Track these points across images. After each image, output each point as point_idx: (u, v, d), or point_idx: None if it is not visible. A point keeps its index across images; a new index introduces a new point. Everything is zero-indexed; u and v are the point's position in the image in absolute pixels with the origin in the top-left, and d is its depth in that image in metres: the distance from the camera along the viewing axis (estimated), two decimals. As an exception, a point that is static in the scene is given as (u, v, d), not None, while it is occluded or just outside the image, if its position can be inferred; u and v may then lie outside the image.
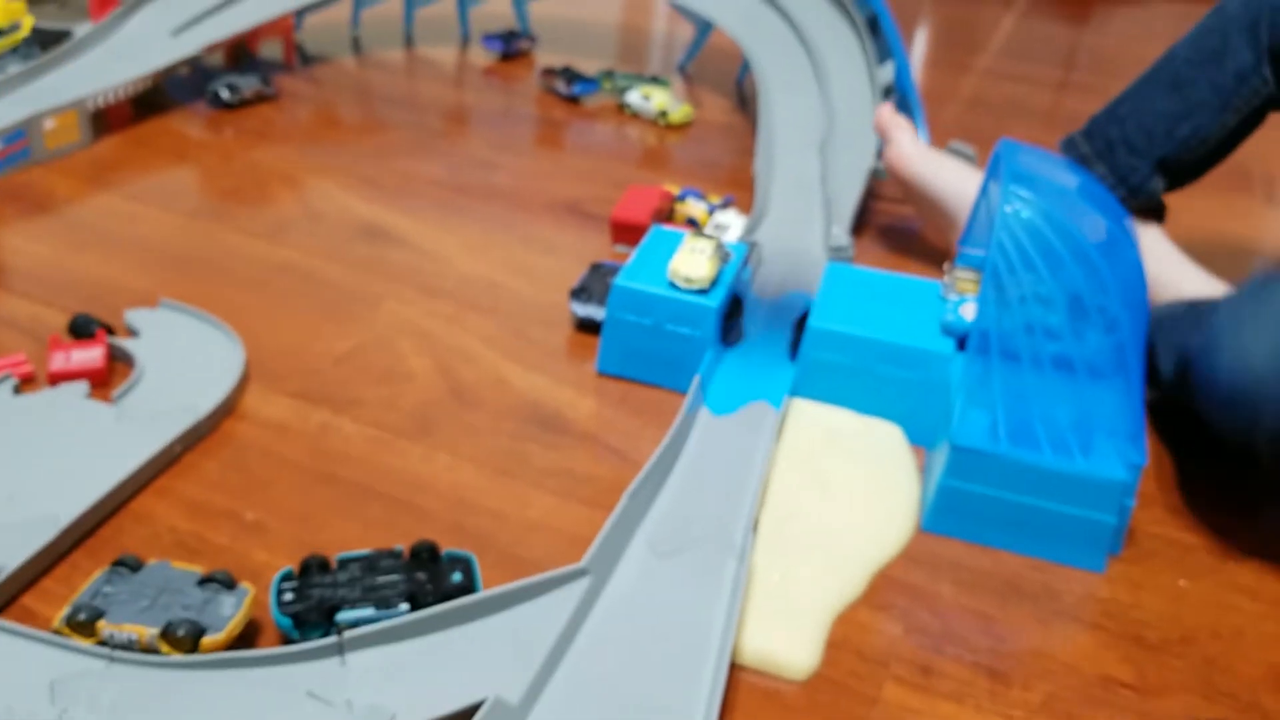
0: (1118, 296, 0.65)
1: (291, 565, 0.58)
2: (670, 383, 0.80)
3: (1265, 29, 0.88)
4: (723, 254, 0.80)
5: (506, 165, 1.20)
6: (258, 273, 0.94)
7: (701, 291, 0.78)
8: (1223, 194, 0.88)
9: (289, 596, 0.55)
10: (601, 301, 0.83)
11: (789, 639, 0.57)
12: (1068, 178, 0.72)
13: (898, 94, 1.20)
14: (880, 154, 1.07)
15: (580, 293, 0.87)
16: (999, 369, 0.66)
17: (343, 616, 0.54)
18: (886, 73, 1.20)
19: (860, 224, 1.06)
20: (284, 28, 1.49)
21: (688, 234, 0.80)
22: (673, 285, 0.78)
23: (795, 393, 0.77)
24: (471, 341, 0.85)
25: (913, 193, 1.03)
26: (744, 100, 1.46)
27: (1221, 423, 0.68)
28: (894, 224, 1.10)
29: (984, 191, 0.84)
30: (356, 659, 0.52)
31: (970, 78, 1.66)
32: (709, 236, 0.79)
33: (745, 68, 1.52)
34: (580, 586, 0.56)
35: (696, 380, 0.74)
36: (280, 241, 0.99)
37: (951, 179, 0.99)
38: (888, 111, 1.06)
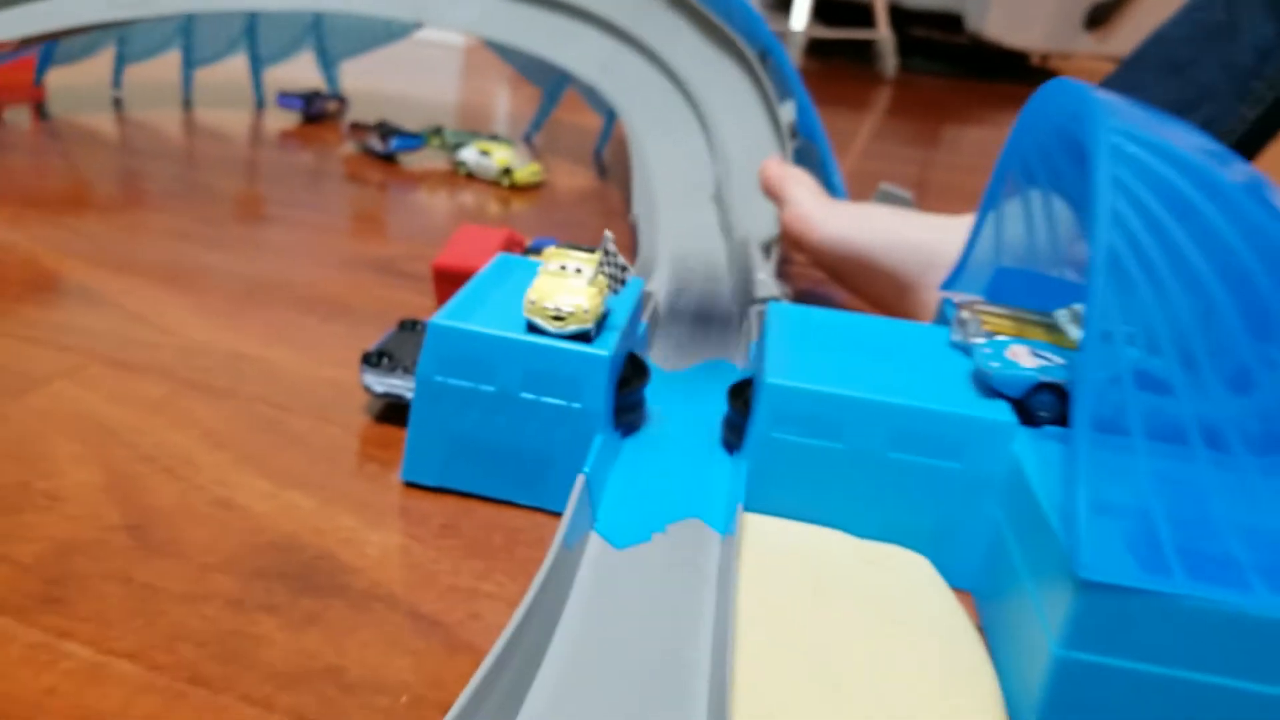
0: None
1: None
2: (529, 497, 0.47)
3: None
4: (612, 277, 0.49)
5: (289, 219, 0.87)
6: None
7: (582, 335, 0.46)
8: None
9: None
10: (414, 371, 0.50)
11: None
12: (1166, 124, 0.46)
13: (802, 138, 0.96)
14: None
15: (378, 359, 0.53)
16: (1144, 450, 0.36)
17: None
18: (788, 112, 0.96)
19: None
20: (25, 85, 1.17)
21: (552, 247, 0.49)
22: (531, 327, 0.46)
23: (750, 505, 0.45)
24: (185, 440, 0.50)
25: (834, 260, 0.70)
26: (604, 170, 1.20)
27: None
28: (816, 289, 0.83)
29: (990, 202, 0.56)
30: None
31: (851, 156, 1.47)
32: (589, 251, 0.48)
33: (604, 137, 1.27)
34: None
35: (580, 485, 0.42)
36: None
37: (891, 225, 0.67)
38: (775, 165, 0.76)
